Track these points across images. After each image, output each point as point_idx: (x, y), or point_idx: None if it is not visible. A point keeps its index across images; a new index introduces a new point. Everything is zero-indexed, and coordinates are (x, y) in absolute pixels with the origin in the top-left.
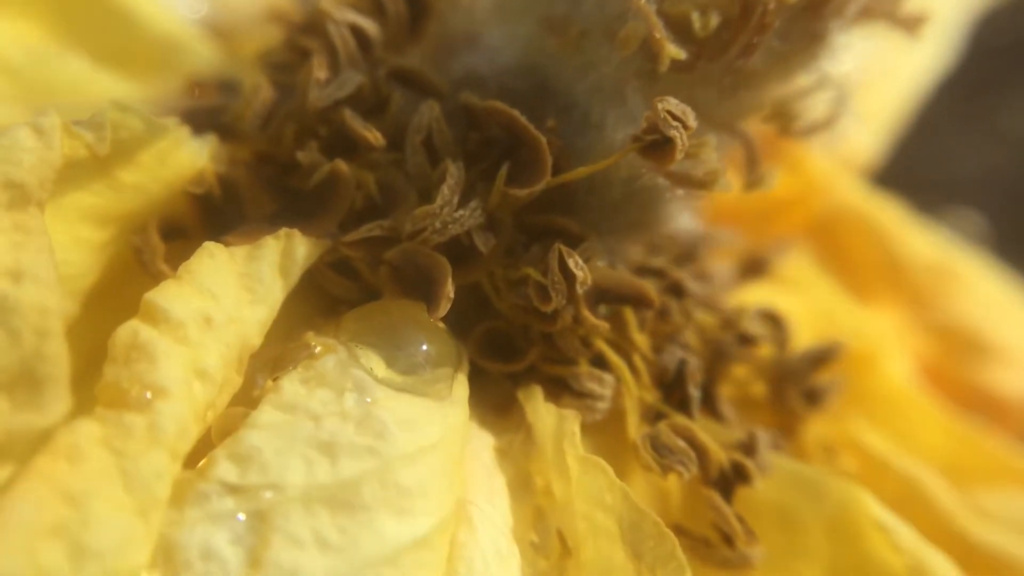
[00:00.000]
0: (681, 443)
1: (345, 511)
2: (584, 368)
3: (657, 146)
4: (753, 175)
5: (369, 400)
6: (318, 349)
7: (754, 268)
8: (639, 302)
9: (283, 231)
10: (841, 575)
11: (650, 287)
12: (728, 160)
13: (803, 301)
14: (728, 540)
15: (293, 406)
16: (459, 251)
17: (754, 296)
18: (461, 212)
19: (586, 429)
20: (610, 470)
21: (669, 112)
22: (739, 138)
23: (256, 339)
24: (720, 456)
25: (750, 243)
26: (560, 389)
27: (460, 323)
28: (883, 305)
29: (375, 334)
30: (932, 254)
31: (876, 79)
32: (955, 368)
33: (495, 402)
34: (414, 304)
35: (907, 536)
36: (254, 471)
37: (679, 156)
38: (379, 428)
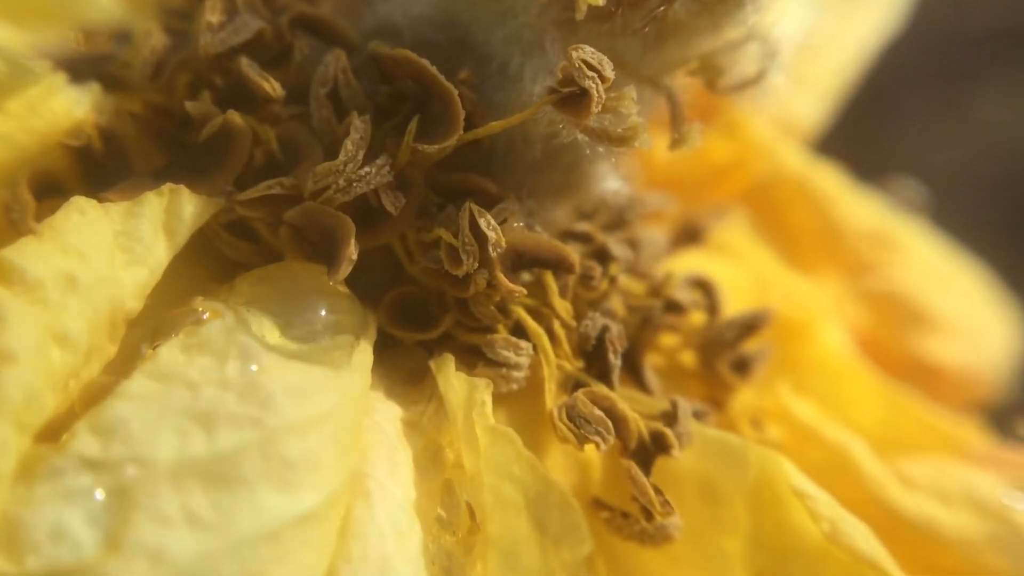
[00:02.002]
0: (598, 413)
1: (221, 486)
2: (500, 336)
3: (573, 99)
4: (678, 133)
5: (255, 368)
6: (206, 315)
7: (690, 235)
8: (559, 266)
9: (167, 187)
10: (761, 545)
11: (571, 251)
12: (656, 120)
13: (739, 269)
14: (647, 512)
15: (168, 375)
16: (367, 212)
17: (690, 264)
18: (367, 169)
19: (504, 399)
20: (518, 440)
21: (584, 61)
22: (664, 93)
23: (133, 303)
24: (640, 426)
25: (687, 210)
26: (475, 358)
27: (373, 289)
28: (821, 273)
29: (271, 299)
30: (871, 222)
31: (820, 45)
32: (892, 336)
33: (407, 372)
34: (315, 267)
35: (825, 503)
36: (118, 444)
37: (595, 109)
38: (264, 397)
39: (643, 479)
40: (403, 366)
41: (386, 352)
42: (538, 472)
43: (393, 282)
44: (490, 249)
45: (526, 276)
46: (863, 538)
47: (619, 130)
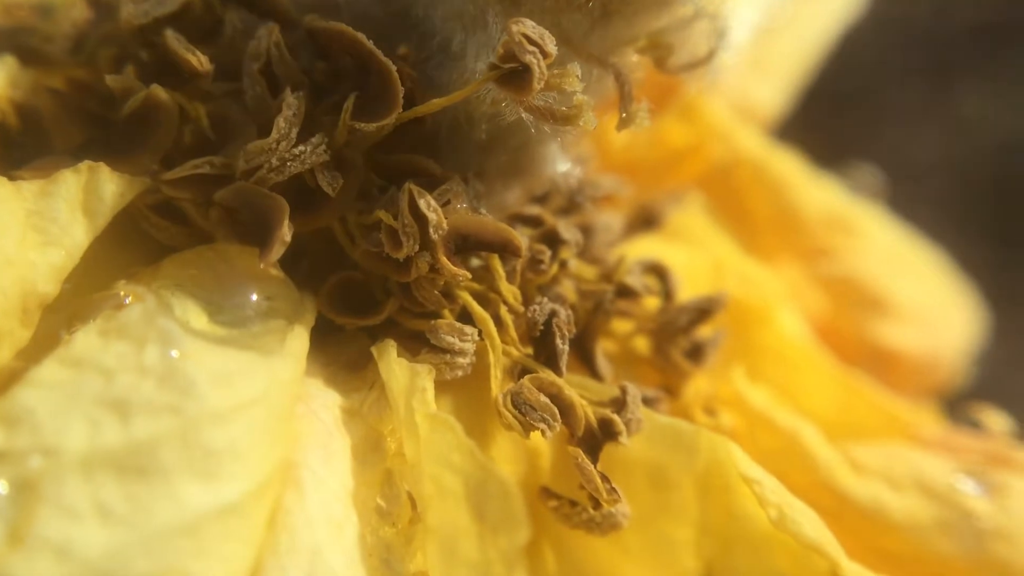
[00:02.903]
0: (543, 399)
1: (135, 477)
2: (444, 321)
3: (515, 75)
4: (626, 113)
5: (176, 354)
6: (128, 299)
7: (646, 220)
8: (505, 250)
9: (85, 164)
10: (710, 531)
11: (517, 235)
12: (611, 101)
13: (696, 254)
14: (594, 501)
15: (81, 361)
16: (304, 193)
17: (646, 249)
18: (302, 148)
19: (449, 386)
20: (459, 428)
21: (525, 36)
22: (612, 72)
23: (47, 286)
24: (587, 413)
25: (643, 194)
26: (419, 344)
27: (314, 273)
28: (778, 258)
29: (199, 282)
30: (829, 207)
31: (780, 29)
32: (849, 322)
33: (349, 358)
34: (247, 250)
35: (772, 489)
36: (24, 434)
37: (537, 86)
38: (184, 384)
39: (590, 466)
40: (345, 352)
41: (328, 338)
42: (478, 460)
43: (335, 266)
44: (431, 231)
45: (475, 261)
46: (809, 524)
47: (564, 108)
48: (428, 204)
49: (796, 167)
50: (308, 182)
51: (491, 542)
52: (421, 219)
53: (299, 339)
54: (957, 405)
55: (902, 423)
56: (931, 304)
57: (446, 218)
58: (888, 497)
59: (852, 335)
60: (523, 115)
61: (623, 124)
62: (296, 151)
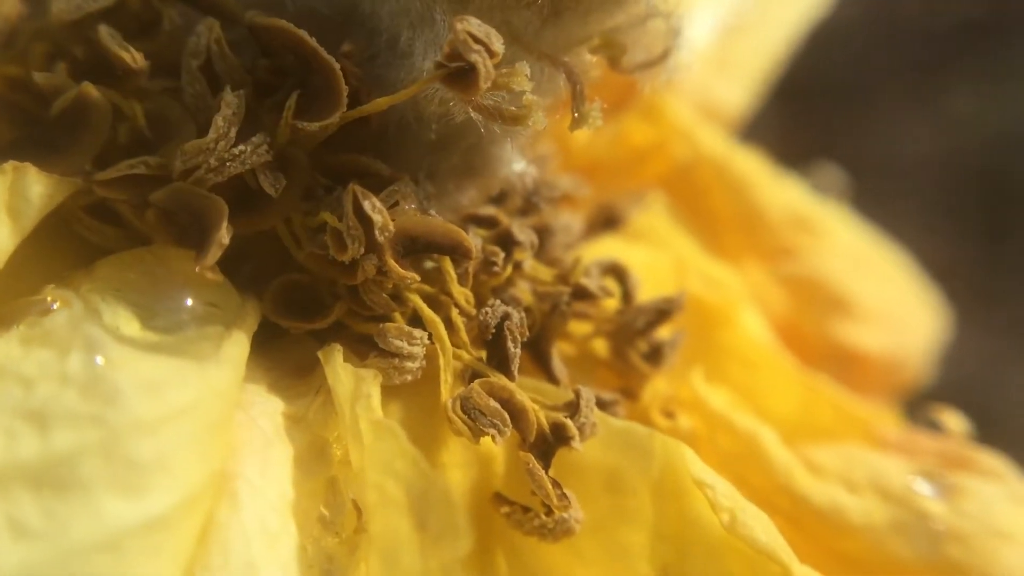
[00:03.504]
0: (493, 404)
1: (53, 491)
2: (393, 325)
3: (461, 74)
4: (578, 112)
5: (101, 361)
6: (55, 304)
7: (607, 221)
8: (455, 251)
9: (10, 165)
10: (665, 537)
11: (467, 236)
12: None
13: (657, 255)
14: (547, 506)
15: (0, 370)
16: (246, 195)
17: (607, 250)
18: (242, 148)
19: (398, 391)
20: (402, 435)
21: (470, 34)
22: (564, 71)
23: None
24: (540, 417)
25: (605, 195)
26: (367, 348)
27: (259, 277)
28: (741, 258)
29: (133, 286)
30: (792, 207)
31: (746, 27)
32: (812, 323)
33: (296, 363)
34: (184, 253)
35: (725, 493)
36: None
37: (484, 85)
38: (110, 393)
39: (541, 472)
40: (291, 357)
41: (273, 343)
42: (421, 469)
43: (281, 270)
44: (377, 233)
45: (429, 263)
46: (762, 528)
47: (513, 108)
48: (373, 205)
49: (759, 167)
50: (250, 183)
51: (432, 552)
52: (366, 221)
53: (237, 345)
54: (941, 402)
55: (863, 424)
56: (895, 304)
57: (393, 220)
58: (845, 499)
59: (815, 335)
60: (472, 115)
61: (576, 124)
62: (236, 151)
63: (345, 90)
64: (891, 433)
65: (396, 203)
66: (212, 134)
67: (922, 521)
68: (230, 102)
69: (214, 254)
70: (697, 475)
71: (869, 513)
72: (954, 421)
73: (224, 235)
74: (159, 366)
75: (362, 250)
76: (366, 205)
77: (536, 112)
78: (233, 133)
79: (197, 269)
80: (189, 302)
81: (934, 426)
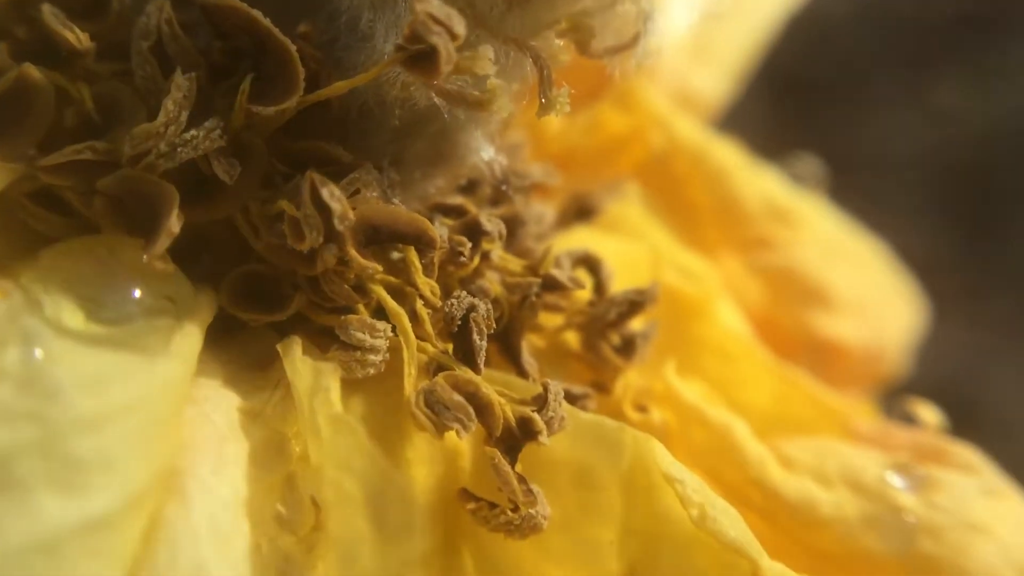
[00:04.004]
0: (457, 398)
1: None
2: (355, 317)
3: (422, 57)
4: (545, 98)
5: (40, 355)
6: None
7: (581, 211)
8: (419, 241)
9: None
10: (634, 532)
11: (431, 225)
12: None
13: (632, 246)
14: (513, 503)
15: None
16: (201, 182)
17: (581, 241)
18: (194, 133)
19: (361, 385)
20: (361, 431)
21: (431, 16)
22: (531, 56)
23: None
24: (506, 412)
25: (579, 185)
26: (329, 341)
27: (218, 268)
28: (717, 249)
29: (79, 277)
30: (769, 197)
31: (724, 15)
32: (789, 314)
33: (255, 357)
34: (134, 242)
35: (695, 488)
36: None
37: (445, 68)
38: (49, 388)
39: (506, 467)
40: (250, 351)
41: (232, 336)
42: (379, 465)
43: (240, 260)
44: (336, 222)
45: (395, 254)
46: (731, 524)
47: (476, 93)
48: (331, 193)
49: (736, 156)
50: (203, 170)
51: (390, 550)
52: (324, 209)
53: (189, 338)
54: (925, 397)
55: (839, 417)
56: (872, 295)
57: (354, 208)
58: (817, 493)
59: (792, 327)
60: (436, 100)
61: (543, 110)
62: (187, 136)
63: (302, 73)
64: (865, 426)
65: (357, 191)
66: (162, 118)
67: (895, 514)
68: (181, 85)
69: (163, 243)
70: (667, 470)
71: (841, 506)
72: (929, 414)
73: (174, 223)
74: (103, 360)
75: (321, 239)
76: (324, 193)
77: (501, 97)
78: (184, 117)
79: (145, 258)
80: (137, 293)
81: (910, 419)
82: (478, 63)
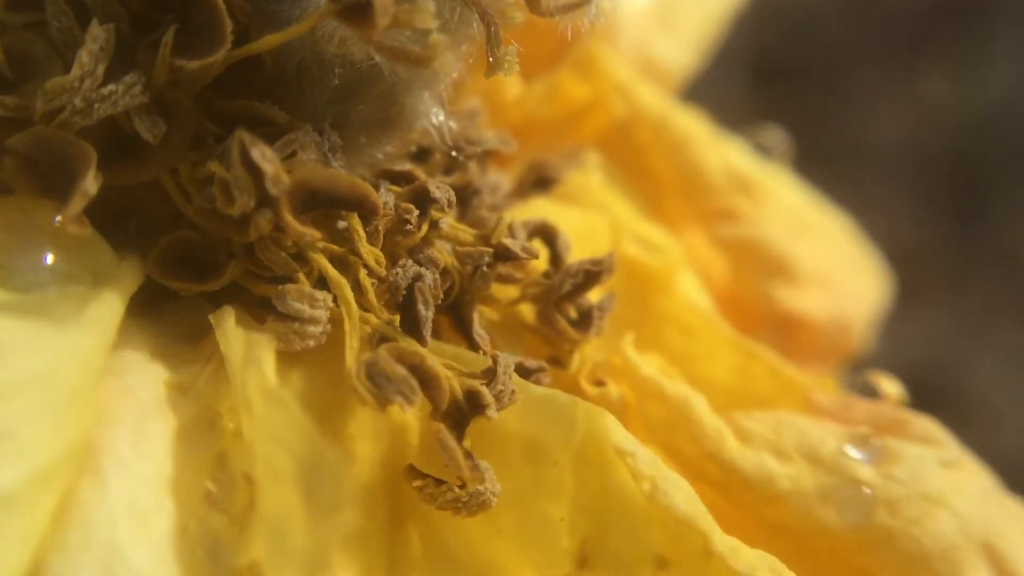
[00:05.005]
0: (400, 371)
1: None
2: (293, 287)
3: (356, 9)
4: (493, 57)
5: None
6: None
7: (539, 180)
8: (361, 207)
9: None
10: (586, 509)
11: (372, 191)
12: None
13: (593, 217)
14: (461, 479)
15: None
16: (123, 142)
17: (538, 211)
18: (112, 88)
19: (302, 358)
20: (294, 405)
21: None
22: (477, 12)
23: None
24: (453, 385)
25: (537, 153)
26: (267, 311)
27: (147, 234)
28: (680, 221)
29: None
30: (733, 168)
31: None
32: (752, 287)
33: (187, 328)
34: (46, 204)
35: (647, 462)
36: None
37: (381, 21)
38: None
39: (452, 442)
40: (183, 322)
41: (163, 306)
42: (312, 440)
43: (172, 226)
44: (268, 185)
45: (341, 223)
46: (683, 497)
47: (417, 49)
48: (263, 154)
49: (699, 126)
50: (126, 128)
51: (319, 527)
52: (255, 171)
53: (106, 307)
54: (910, 379)
55: (800, 390)
56: (837, 269)
57: (290, 171)
58: (774, 467)
59: (756, 300)
60: (376, 57)
61: (490, 69)
62: (105, 91)
63: (229, 25)
64: (825, 399)
65: (293, 153)
66: (76, 71)
67: (852, 487)
68: (97, 36)
69: (77, 205)
70: (618, 443)
71: (798, 480)
72: (890, 386)
73: (91, 184)
74: (9, 329)
75: (253, 203)
76: (255, 153)
77: (443, 54)
78: (101, 71)
79: (57, 221)
80: (50, 259)
81: (872, 392)
82: (418, 16)
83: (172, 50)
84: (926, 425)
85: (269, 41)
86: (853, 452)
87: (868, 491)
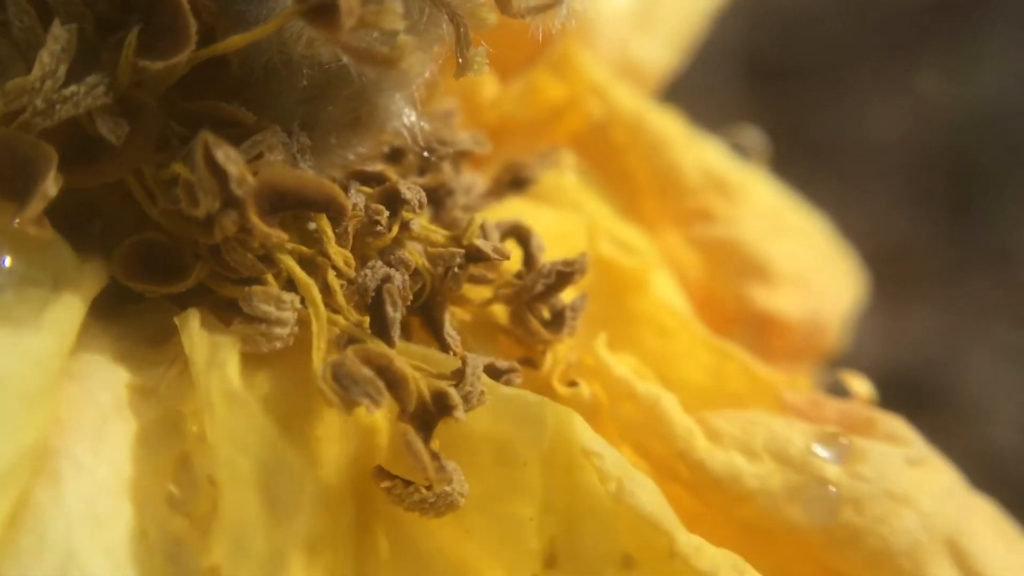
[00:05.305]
0: (367, 372)
1: None
2: (259, 288)
3: (322, 9)
4: (463, 58)
5: None
6: None
7: (514, 181)
8: (329, 208)
9: None
10: (555, 510)
11: (340, 192)
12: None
13: (568, 218)
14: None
15: None
16: (87, 143)
17: (513, 212)
18: (74, 88)
19: (269, 360)
20: (257, 407)
21: None
22: (446, 13)
23: None
24: (420, 386)
25: (512, 154)
26: (233, 314)
27: (112, 236)
28: (656, 221)
29: None
30: (709, 168)
31: None
32: (728, 287)
33: (152, 331)
34: (5, 206)
35: (614, 462)
36: None
37: (347, 22)
38: None
39: (418, 443)
40: (148, 326)
41: (127, 309)
42: (274, 443)
43: (137, 229)
44: (233, 186)
45: (312, 224)
46: (649, 498)
47: (385, 50)
48: (227, 155)
49: (676, 127)
50: (89, 130)
51: (281, 531)
52: (219, 172)
53: (66, 309)
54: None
55: (774, 390)
56: (813, 268)
57: (256, 172)
58: (743, 466)
59: (731, 300)
60: (344, 58)
61: (460, 70)
62: (67, 92)
63: (194, 25)
64: (795, 398)
65: (260, 154)
66: (36, 72)
67: (819, 486)
68: (58, 36)
69: (36, 206)
70: (585, 444)
71: (766, 479)
72: (860, 385)
73: (51, 186)
74: None
75: (217, 204)
76: (218, 154)
77: (411, 55)
78: (63, 71)
79: (16, 223)
80: (8, 262)
81: (842, 391)
82: (385, 17)
83: (136, 51)
84: (893, 423)
85: (235, 42)
86: (821, 451)
87: (834, 489)
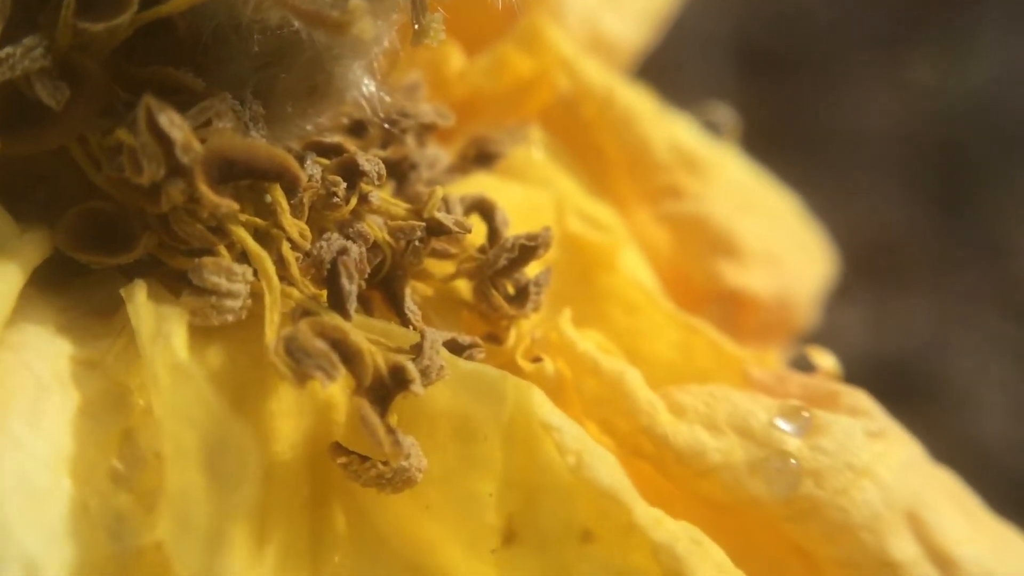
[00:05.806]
0: (320, 345)
1: None
2: (210, 259)
3: None
4: (420, 25)
5: None
6: None
7: (481, 156)
8: (281, 178)
9: None
10: (514, 484)
11: (293, 161)
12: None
13: (535, 193)
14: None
15: None
16: (26, 108)
17: (479, 187)
18: (9, 50)
19: (222, 332)
20: (202, 380)
21: None
22: None
23: None
24: (377, 360)
25: (479, 128)
26: (183, 285)
27: (56, 204)
28: (625, 197)
29: None
30: (678, 144)
31: None
32: (697, 264)
33: (98, 303)
34: None
35: (573, 436)
36: None
37: None
38: None
39: (374, 418)
40: (95, 297)
41: (73, 280)
42: (219, 417)
43: (83, 197)
44: (179, 153)
45: (268, 196)
46: (608, 471)
47: (335, 13)
48: (171, 120)
49: (646, 102)
50: (28, 95)
51: (224, 506)
52: (163, 138)
53: (2, 279)
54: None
55: (740, 366)
56: (783, 246)
57: (204, 139)
58: (706, 440)
59: (701, 277)
60: (295, 23)
61: (416, 37)
62: (2, 54)
63: None
64: (760, 372)
65: (209, 121)
66: None
67: (781, 459)
68: None
69: None
70: (544, 417)
71: (729, 453)
72: (825, 360)
73: None
74: None
75: (163, 172)
76: (162, 120)
77: (362, 19)
78: None
79: None
80: None
81: (808, 366)
82: None
83: (75, 12)
84: (856, 396)
85: (179, 4)
86: (783, 424)
87: (795, 463)
